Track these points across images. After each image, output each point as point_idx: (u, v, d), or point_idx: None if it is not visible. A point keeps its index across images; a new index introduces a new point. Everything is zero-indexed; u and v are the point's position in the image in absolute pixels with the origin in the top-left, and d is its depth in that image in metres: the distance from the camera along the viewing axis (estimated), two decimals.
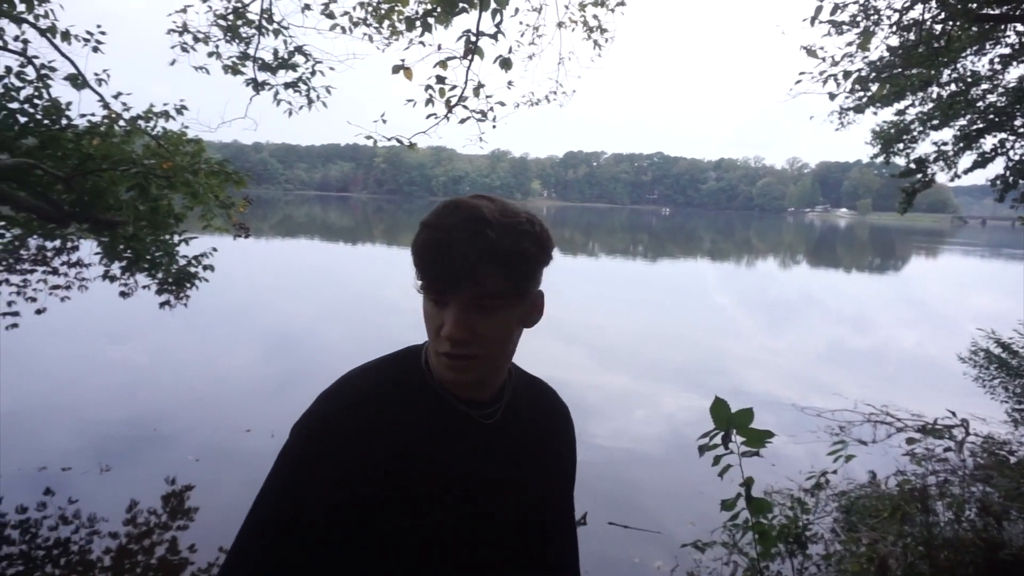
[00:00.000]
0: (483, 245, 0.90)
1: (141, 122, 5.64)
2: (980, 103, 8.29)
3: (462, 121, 4.64)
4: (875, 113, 8.54)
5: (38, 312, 5.73)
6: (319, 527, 0.89)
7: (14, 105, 5.10)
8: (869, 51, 5.97)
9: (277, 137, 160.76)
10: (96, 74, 5.49)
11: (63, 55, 5.29)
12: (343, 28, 5.33)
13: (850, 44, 5.69)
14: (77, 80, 5.34)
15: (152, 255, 5.68)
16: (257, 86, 5.78)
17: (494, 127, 4.86)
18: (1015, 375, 7.06)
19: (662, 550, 4.65)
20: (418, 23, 4.28)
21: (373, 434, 0.93)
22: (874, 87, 7.27)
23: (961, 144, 8.71)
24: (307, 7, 5.38)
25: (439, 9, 4.17)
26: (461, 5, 3.97)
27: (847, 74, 5.38)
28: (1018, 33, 7.04)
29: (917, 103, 8.55)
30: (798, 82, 5.39)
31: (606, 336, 12.87)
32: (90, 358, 9.33)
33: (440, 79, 4.31)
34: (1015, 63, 7.54)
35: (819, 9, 4.10)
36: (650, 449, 6.90)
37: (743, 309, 17.51)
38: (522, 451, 1.07)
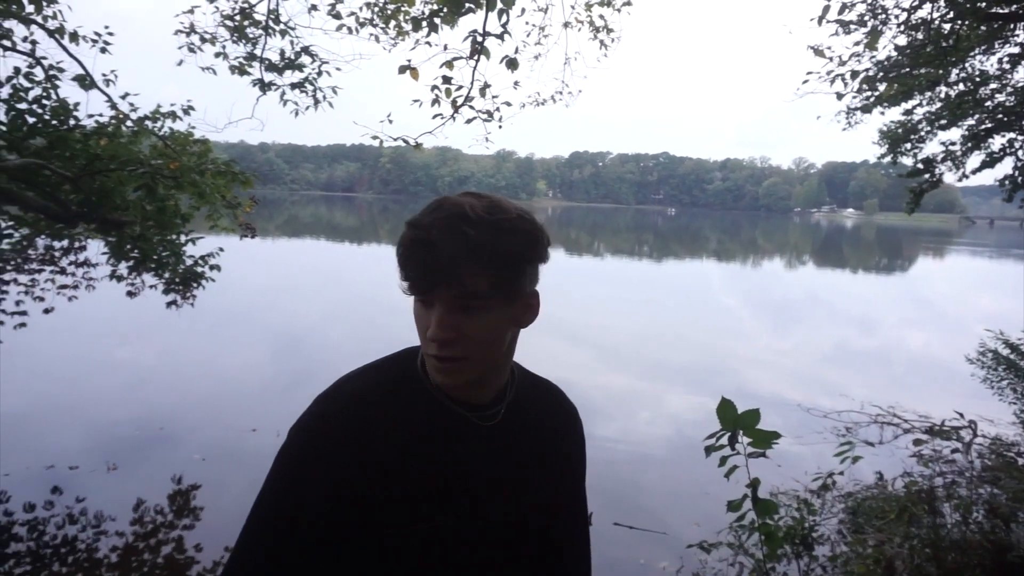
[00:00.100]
0: (463, 244, 0.88)
1: (148, 122, 5.67)
2: (988, 103, 8.25)
3: (468, 121, 4.64)
4: (882, 113, 8.50)
5: (46, 312, 5.75)
6: (317, 528, 0.89)
7: (23, 106, 5.13)
8: (877, 50, 5.95)
9: (283, 137, 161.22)
10: (104, 75, 5.52)
11: (71, 56, 5.33)
12: (349, 28, 5.34)
13: (858, 43, 5.68)
14: (85, 81, 5.37)
15: (159, 255, 5.70)
16: (264, 86, 5.80)
17: (500, 127, 4.87)
18: (1023, 376, 7.02)
19: (667, 551, 4.64)
20: (424, 23, 4.29)
21: (368, 435, 0.92)
22: (882, 87, 7.24)
23: (969, 144, 8.67)
24: (314, 8, 5.40)
25: (445, 9, 4.17)
26: (467, 5, 3.97)
27: (855, 74, 5.37)
28: None
29: (925, 103, 8.51)
30: (805, 82, 5.38)
31: (612, 336, 12.85)
32: (97, 357, 9.37)
33: (446, 79, 4.32)
34: None
35: (827, 8, 4.09)
36: (655, 449, 6.89)
37: (749, 309, 17.46)
38: (526, 453, 1.05)
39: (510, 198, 0.98)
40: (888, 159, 9.76)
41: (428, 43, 4.29)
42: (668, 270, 29.39)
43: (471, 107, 4.60)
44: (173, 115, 5.69)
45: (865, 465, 5.63)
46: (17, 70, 5.14)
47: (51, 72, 5.31)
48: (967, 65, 7.75)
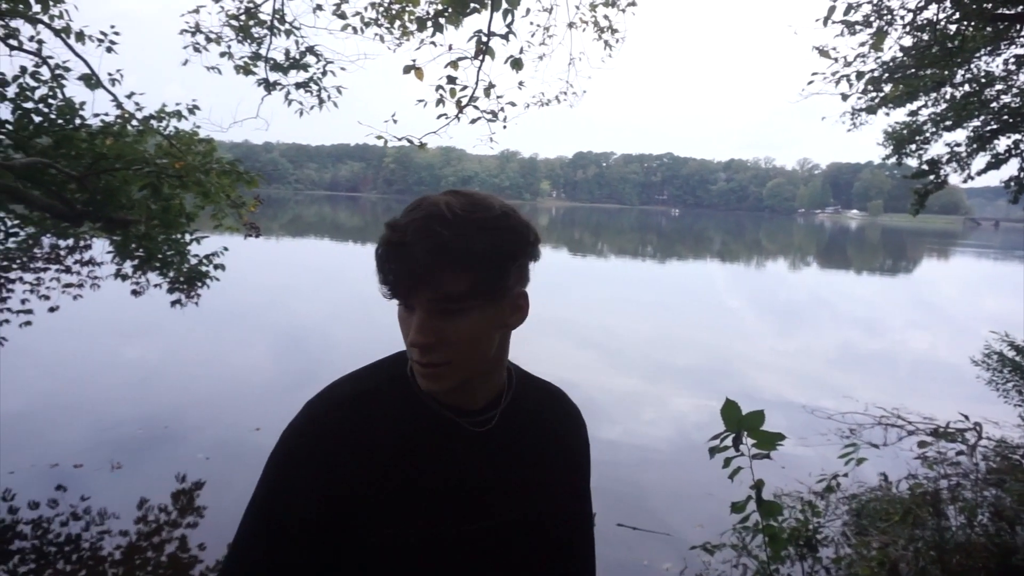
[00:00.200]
0: (437, 245, 0.85)
1: (154, 122, 5.68)
2: (994, 104, 8.22)
3: (473, 121, 4.65)
4: (887, 114, 8.47)
5: (51, 310, 5.78)
6: (307, 530, 0.88)
7: (29, 105, 5.16)
8: (882, 51, 5.94)
9: (287, 137, 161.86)
10: (110, 74, 5.54)
11: (77, 55, 5.34)
12: (354, 28, 5.34)
13: (863, 44, 5.66)
14: (91, 80, 5.38)
15: (164, 254, 5.71)
16: (269, 86, 5.81)
17: (504, 127, 4.87)
18: None
19: (671, 552, 4.63)
20: (429, 23, 4.29)
21: (356, 440, 0.91)
22: (887, 88, 7.22)
23: (975, 145, 8.64)
24: (319, 7, 5.40)
25: (450, 9, 4.18)
26: (472, 5, 3.97)
27: (860, 74, 5.36)
28: None
29: (930, 104, 8.48)
30: (810, 83, 5.37)
31: (615, 337, 12.85)
32: (102, 356, 9.40)
33: (451, 79, 4.32)
34: None
35: (832, 9, 4.08)
36: (659, 450, 6.88)
37: (753, 311, 17.43)
38: (524, 457, 1.03)
39: (506, 197, 0.95)
40: (893, 160, 9.73)
41: (433, 43, 4.30)
42: (672, 271, 29.37)
43: (475, 107, 4.60)
44: (178, 114, 5.70)
45: (869, 467, 5.62)
46: (23, 69, 5.17)
47: (57, 71, 5.33)
48: (973, 66, 7.73)
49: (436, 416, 0.97)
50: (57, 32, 5.23)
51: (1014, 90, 8.04)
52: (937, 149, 9.10)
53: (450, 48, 4.25)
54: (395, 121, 4.49)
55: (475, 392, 1.00)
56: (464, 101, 4.48)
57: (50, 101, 5.27)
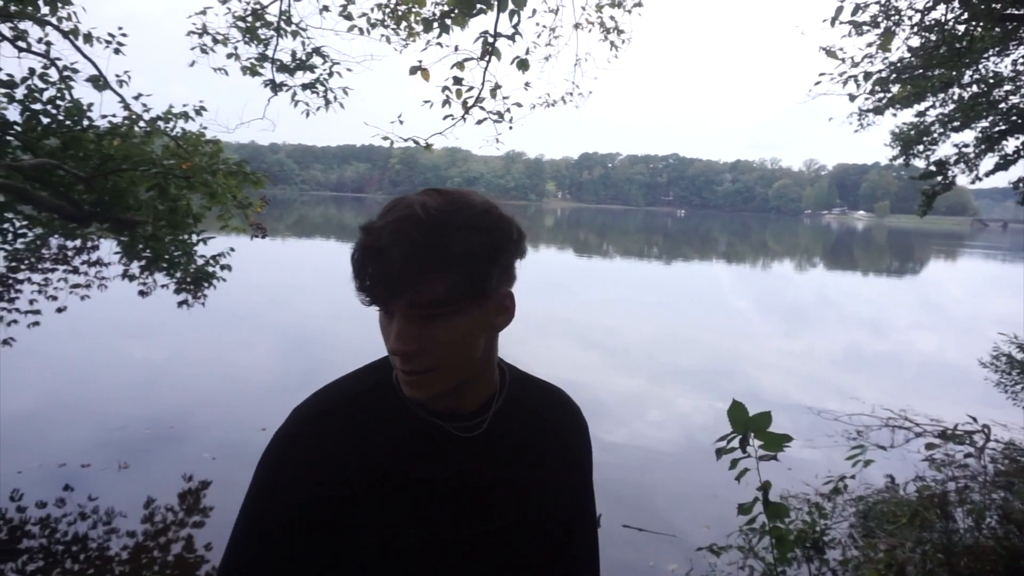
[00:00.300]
0: (413, 249, 0.82)
1: (161, 123, 5.71)
2: (1002, 104, 8.18)
3: (479, 122, 4.65)
4: (895, 115, 8.44)
5: (59, 311, 5.81)
6: (295, 539, 0.87)
7: (37, 106, 5.18)
8: (890, 52, 5.91)
9: (293, 138, 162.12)
10: (117, 75, 5.58)
11: (85, 57, 5.38)
12: (361, 29, 5.36)
13: (871, 45, 5.65)
14: (99, 81, 5.41)
15: (171, 255, 5.73)
16: (275, 87, 5.83)
17: (511, 128, 4.86)
18: None
19: (677, 553, 4.62)
20: (435, 24, 4.30)
21: (341, 447, 0.90)
22: (894, 88, 7.19)
23: (983, 146, 8.60)
24: (325, 9, 5.42)
25: (456, 10, 4.18)
26: (479, 6, 3.98)
27: (867, 75, 5.34)
28: None
29: (938, 104, 8.45)
30: (818, 83, 5.35)
31: (621, 338, 12.83)
32: (109, 356, 9.44)
33: (457, 80, 4.32)
34: None
35: (840, 9, 4.07)
36: (665, 452, 6.87)
37: (759, 312, 17.39)
38: (519, 460, 1.01)
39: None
40: (900, 161, 9.70)
41: (439, 44, 4.30)
42: (677, 272, 29.31)
43: (481, 108, 4.60)
44: (185, 115, 5.72)
45: (876, 469, 5.59)
46: (32, 71, 5.20)
47: (65, 73, 5.36)
48: (981, 67, 7.69)
49: (423, 422, 0.94)
50: (65, 34, 5.26)
51: (1023, 91, 8.00)
52: (945, 150, 9.06)
53: (456, 49, 4.25)
54: (401, 122, 4.50)
55: (464, 396, 0.97)
56: (470, 102, 4.48)
57: (58, 102, 5.29)
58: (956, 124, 8.60)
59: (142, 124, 5.67)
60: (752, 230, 77.11)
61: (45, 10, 5.10)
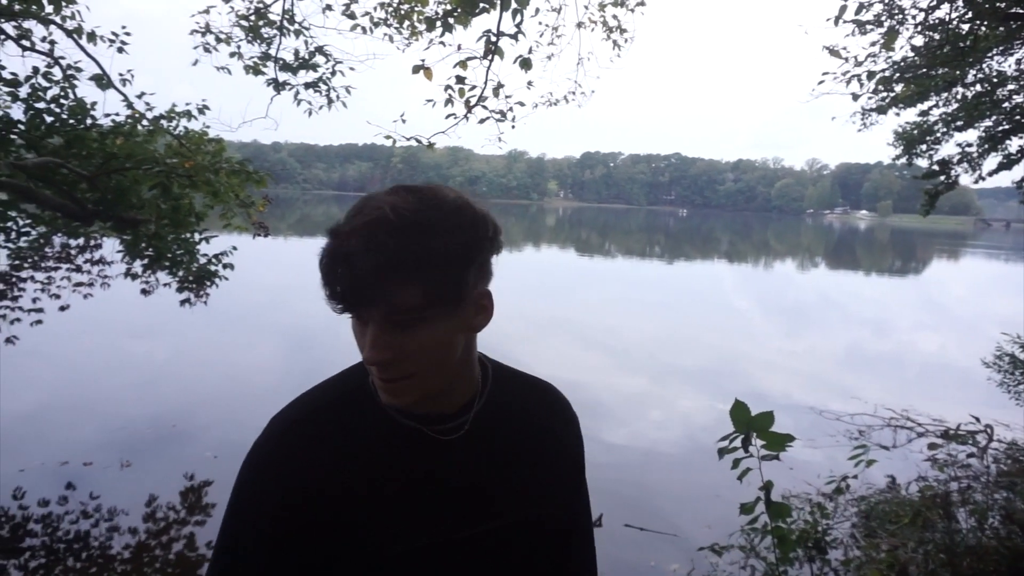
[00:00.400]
0: (383, 256, 0.78)
1: (164, 122, 5.72)
2: (1006, 104, 8.17)
3: (481, 121, 4.65)
4: (898, 114, 8.44)
5: (62, 309, 5.82)
6: (274, 549, 0.86)
7: (41, 105, 5.20)
8: (893, 51, 5.90)
9: (296, 137, 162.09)
10: (120, 74, 5.58)
11: (89, 56, 5.38)
12: (364, 28, 5.36)
13: (874, 44, 5.63)
14: (102, 80, 5.42)
15: (173, 253, 5.74)
16: (278, 86, 5.83)
17: (513, 127, 4.87)
18: None
19: (679, 553, 4.62)
20: (438, 23, 4.29)
21: (318, 457, 0.88)
22: (898, 88, 7.18)
23: (986, 145, 8.59)
24: (328, 8, 5.42)
25: (459, 9, 4.18)
26: (481, 5, 3.97)
27: (871, 74, 5.33)
28: None
29: (941, 104, 8.44)
30: (821, 82, 5.34)
31: (623, 338, 12.83)
32: (111, 355, 9.45)
33: (460, 79, 4.32)
34: None
35: (843, 8, 4.05)
36: (666, 451, 6.87)
37: (760, 312, 17.37)
38: (506, 459, 0.98)
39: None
40: (903, 160, 9.69)
41: (442, 43, 4.30)
42: (679, 272, 29.29)
43: (484, 107, 4.60)
44: (188, 114, 5.73)
45: (878, 469, 5.59)
46: (36, 70, 5.21)
47: (69, 72, 5.37)
48: (984, 66, 7.68)
49: (401, 427, 0.92)
50: (69, 33, 5.27)
51: None
52: (948, 149, 9.06)
53: (459, 48, 4.25)
54: (404, 121, 4.50)
55: (444, 398, 0.94)
56: (473, 101, 4.48)
57: (62, 101, 5.31)
58: (959, 123, 8.59)
59: (145, 123, 5.68)
60: (754, 230, 77.04)
61: (49, 9, 5.10)
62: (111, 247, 6.05)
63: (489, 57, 4.17)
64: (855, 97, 5.20)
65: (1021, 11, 5.04)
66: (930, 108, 8.50)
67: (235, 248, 6.12)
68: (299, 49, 5.82)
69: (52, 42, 5.34)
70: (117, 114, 5.59)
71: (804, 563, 3.67)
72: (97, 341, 9.81)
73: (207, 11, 5.66)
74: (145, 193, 5.32)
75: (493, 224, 0.89)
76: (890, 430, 7.15)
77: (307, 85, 5.91)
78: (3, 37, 5.15)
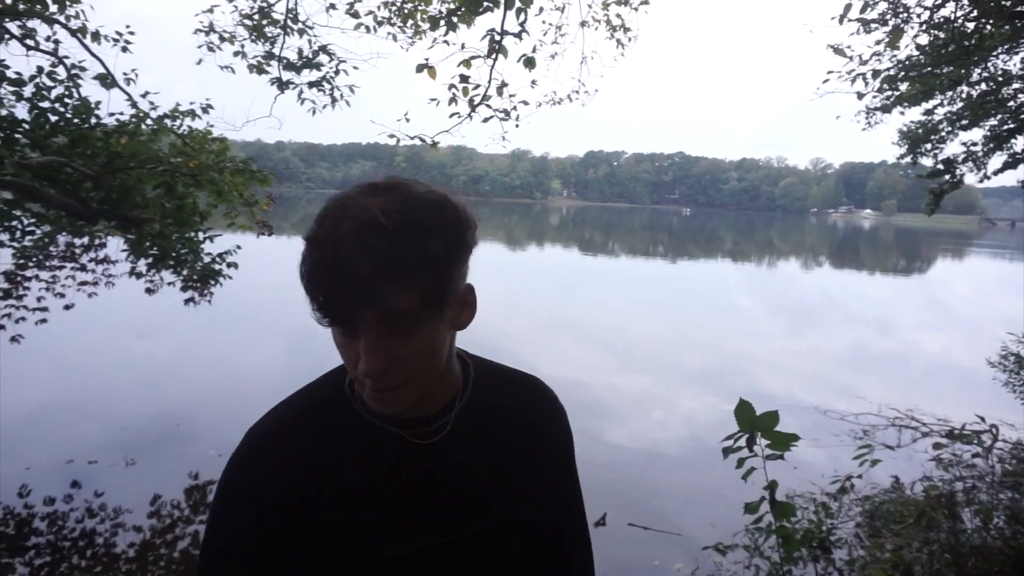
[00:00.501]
0: (380, 260, 0.75)
1: (168, 121, 5.72)
2: (1011, 103, 8.13)
3: (485, 120, 4.65)
4: (902, 113, 8.40)
5: (66, 308, 5.83)
6: (254, 564, 0.84)
7: (45, 104, 5.20)
8: (898, 50, 5.88)
9: (299, 136, 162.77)
10: (125, 73, 5.59)
11: (93, 55, 5.39)
12: (367, 27, 5.36)
13: (879, 43, 5.62)
14: (106, 80, 5.43)
15: (177, 252, 5.75)
16: (282, 85, 5.84)
17: (517, 126, 4.87)
18: None
19: (682, 552, 4.61)
20: (442, 22, 4.29)
21: (295, 469, 0.86)
22: (903, 86, 7.15)
23: (991, 144, 8.54)
24: (332, 7, 5.42)
25: (463, 8, 4.18)
26: (485, 4, 3.98)
27: (876, 73, 5.31)
28: None
29: (946, 102, 8.40)
30: (826, 81, 5.34)
31: (625, 337, 12.82)
32: (116, 354, 9.48)
33: (464, 78, 4.32)
34: None
35: (848, 7, 4.04)
36: (670, 451, 6.86)
37: (764, 311, 17.34)
38: (488, 462, 0.96)
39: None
40: (908, 160, 9.65)
41: (446, 42, 4.30)
42: (683, 271, 29.26)
43: (488, 106, 4.60)
44: (192, 113, 5.74)
45: (882, 469, 5.57)
46: (40, 69, 5.22)
47: (73, 71, 5.38)
48: (990, 64, 7.65)
49: (380, 432, 0.90)
50: (73, 32, 5.27)
51: None
52: (953, 148, 9.00)
53: (463, 47, 4.25)
54: (407, 120, 4.50)
55: (427, 401, 0.92)
56: (476, 100, 4.48)
57: (66, 100, 5.32)
58: (964, 122, 8.55)
59: (149, 122, 5.68)
60: (758, 229, 76.90)
61: (53, 8, 5.11)
62: (115, 246, 6.07)
63: (493, 56, 4.17)
64: (860, 96, 5.21)
65: None
66: (935, 107, 8.46)
67: (239, 247, 6.13)
68: (303, 48, 5.83)
69: (56, 41, 5.35)
70: (121, 113, 5.60)
71: (808, 563, 3.67)
72: (101, 340, 9.84)
73: (211, 10, 5.67)
74: (149, 192, 5.33)
75: (473, 219, 0.87)
76: (894, 430, 7.13)
77: (311, 84, 5.91)
78: (8, 36, 5.16)
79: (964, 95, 8.20)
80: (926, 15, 5.47)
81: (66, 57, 5.38)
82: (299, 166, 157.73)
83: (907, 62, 6.68)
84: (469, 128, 4.70)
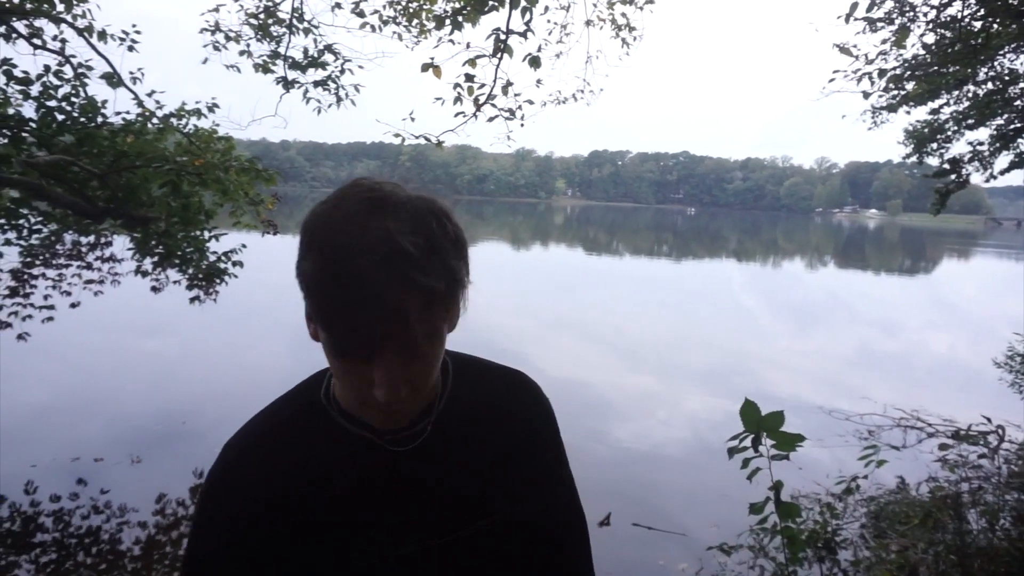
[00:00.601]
0: (410, 293, 0.74)
1: (174, 120, 5.74)
2: (1018, 102, 8.09)
3: (490, 119, 4.65)
4: (908, 112, 8.38)
5: (72, 306, 5.85)
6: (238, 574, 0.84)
7: (52, 103, 5.23)
8: (905, 49, 5.86)
9: (304, 135, 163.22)
10: (131, 73, 5.61)
11: (99, 54, 5.41)
12: (373, 27, 5.37)
13: (885, 42, 5.60)
14: (113, 79, 5.45)
15: (183, 251, 5.77)
16: (287, 84, 5.85)
17: (522, 126, 4.86)
18: None
19: (687, 552, 4.61)
20: (447, 21, 4.30)
21: (273, 480, 0.86)
22: (909, 85, 7.13)
23: (997, 144, 8.52)
24: (337, 6, 5.43)
25: (468, 7, 4.18)
26: (491, 3, 3.98)
27: (882, 72, 5.28)
28: None
29: (952, 102, 8.38)
30: (831, 80, 5.31)
31: (629, 337, 12.81)
32: (122, 352, 9.51)
33: (469, 77, 4.32)
34: None
35: (854, 6, 4.02)
36: (674, 450, 6.85)
37: (769, 311, 17.31)
38: (470, 465, 0.94)
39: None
40: (913, 159, 9.62)
41: (451, 41, 4.30)
42: (687, 270, 29.22)
43: (493, 105, 4.60)
44: (198, 112, 5.75)
45: (888, 469, 5.55)
46: (47, 68, 5.24)
47: (80, 70, 5.40)
48: (996, 64, 7.62)
49: (359, 440, 0.88)
50: (80, 31, 5.29)
51: None
52: (959, 148, 8.97)
53: (468, 46, 4.25)
54: (413, 119, 4.51)
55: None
56: (482, 99, 4.48)
57: (73, 99, 5.34)
58: (971, 122, 8.53)
59: (155, 121, 5.70)
60: (762, 228, 76.75)
61: (60, 7, 5.14)
62: (121, 244, 6.09)
63: (498, 55, 4.17)
64: (866, 95, 5.18)
65: None
66: (941, 106, 8.44)
67: (244, 246, 6.15)
68: (308, 47, 5.84)
69: (63, 40, 5.37)
70: (127, 112, 5.62)
71: (813, 563, 3.66)
72: (107, 338, 9.87)
73: (217, 9, 5.69)
74: (155, 191, 5.34)
75: (463, 228, 0.86)
76: (900, 430, 7.11)
77: (316, 83, 5.92)
78: (15, 35, 5.19)
79: (970, 94, 8.18)
80: (933, 14, 5.45)
81: (73, 56, 5.41)
82: (304, 165, 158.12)
83: (913, 61, 6.66)
84: (474, 127, 4.71)
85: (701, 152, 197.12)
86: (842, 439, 6.71)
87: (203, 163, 5.21)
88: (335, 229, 0.76)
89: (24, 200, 5.01)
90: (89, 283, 6.04)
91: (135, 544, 4.55)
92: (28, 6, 5.11)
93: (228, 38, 5.77)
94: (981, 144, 8.69)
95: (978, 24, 5.13)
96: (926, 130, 8.94)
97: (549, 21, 5.48)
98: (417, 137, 4.57)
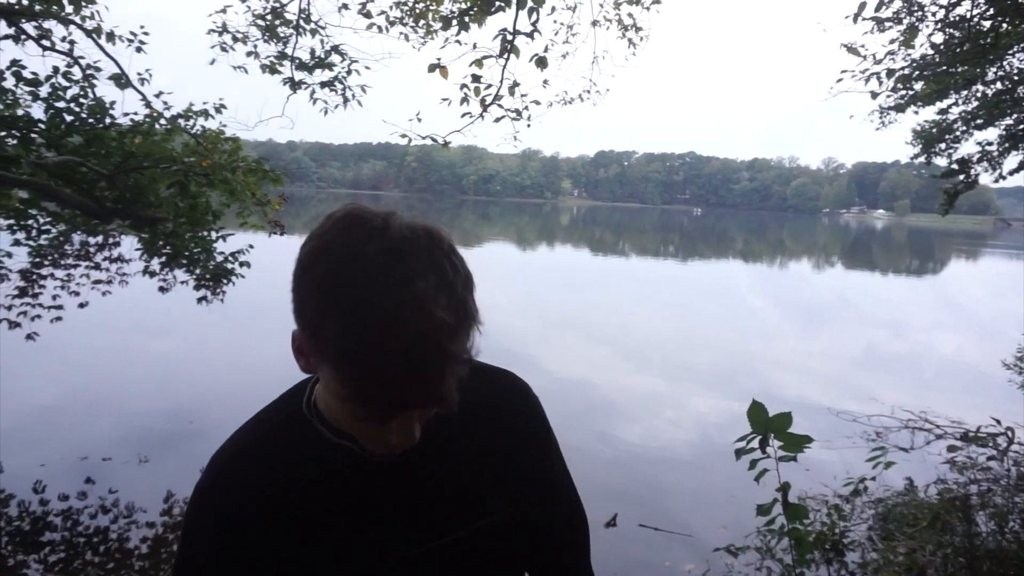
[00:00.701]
0: (446, 359, 0.73)
1: (181, 121, 5.77)
2: None
3: (497, 120, 4.65)
4: (916, 112, 8.34)
5: (81, 306, 5.89)
6: None
7: (61, 104, 5.26)
8: (913, 48, 5.83)
9: (311, 136, 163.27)
10: (139, 74, 5.64)
11: (108, 55, 5.44)
12: (379, 27, 5.38)
13: (893, 41, 5.57)
14: (121, 80, 5.48)
15: (190, 251, 5.80)
16: (294, 85, 5.87)
17: (529, 126, 4.87)
18: None
19: (693, 553, 4.60)
20: (454, 22, 4.30)
21: (258, 492, 0.86)
22: (917, 85, 7.09)
23: (1006, 144, 8.47)
24: (344, 7, 5.44)
25: (475, 8, 4.18)
26: (497, 3, 3.98)
27: (890, 72, 5.27)
28: None
29: (961, 102, 8.34)
30: (839, 80, 5.30)
31: (636, 337, 12.79)
32: (129, 352, 9.55)
33: (475, 77, 4.32)
34: None
35: (863, 5, 4.01)
36: (681, 451, 6.83)
37: (776, 311, 17.25)
38: (463, 466, 0.94)
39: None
40: (921, 159, 9.58)
41: (458, 41, 4.31)
42: (694, 271, 29.16)
43: (500, 106, 4.60)
44: (205, 113, 5.78)
45: (896, 471, 5.51)
46: (56, 69, 5.28)
47: (88, 71, 5.44)
48: (1005, 63, 7.57)
49: (343, 450, 0.88)
50: (88, 32, 5.32)
51: None
52: (967, 148, 8.93)
53: (475, 46, 4.25)
54: (419, 120, 4.51)
55: None
56: (488, 99, 4.48)
57: (81, 100, 5.37)
58: (979, 122, 8.49)
59: (163, 122, 5.73)
60: (769, 229, 76.51)
61: (69, 9, 5.17)
62: (129, 245, 6.12)
63: (505, 55, 4.17)
64: (874, 95, 5.17)
65: None
66: (949, 106, 8.41)
67: (251, 246, 6.17)
68: (315, 48, 5.86)
69: (72, 42, 5.41)
70: (135, 113, 5.66)
71: (821, 565, 3.64)
72: (115, 338, 9.91)
73: (224, 10, 5.71)
74: (163, 191, 5.37)
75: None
76: (908, 432, 7.07)
77: (323, 84, 5.94)
78: (24, 37, 5.22)
79: (979, 94, 8.14)
80: (941, 13, 5.42)
81: (81, 57, 5.44)
82: (311, 166, 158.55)
83: (922, 61, 6.62)
84: (480, 128, 4.70)
85: (707, 152, 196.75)
86: (850, 440, 6.67)
87: (210, 164, 5.23)
88: (363, 297, 0.72)
89: (33, 201, 5.04)
90: (97, 283, 6.07)
91: (143, 543, 4.56)
92: (37, 8, 5.14)
93: (235, 39, 5.80)
94: (990, 144, 8.65)
95: (987, 24, 5.10)
96: (934, 130, 8.90)
97: (556, 22, 5.47)
98: (424, 138, 4.57)
